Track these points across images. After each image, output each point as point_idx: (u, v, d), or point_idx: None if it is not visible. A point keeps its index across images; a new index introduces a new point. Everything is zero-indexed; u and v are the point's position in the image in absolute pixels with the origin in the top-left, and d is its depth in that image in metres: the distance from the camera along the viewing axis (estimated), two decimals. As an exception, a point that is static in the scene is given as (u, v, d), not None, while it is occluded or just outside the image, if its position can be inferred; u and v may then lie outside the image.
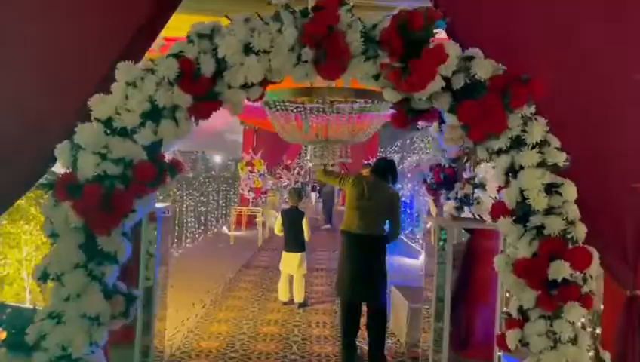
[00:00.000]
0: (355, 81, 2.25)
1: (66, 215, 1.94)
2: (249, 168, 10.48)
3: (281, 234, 5.90)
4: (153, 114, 2.02)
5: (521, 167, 2.10)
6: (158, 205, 4.12)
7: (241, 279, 7.16)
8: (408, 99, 2.24)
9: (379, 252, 4.16)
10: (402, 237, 11.15)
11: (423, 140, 13.48)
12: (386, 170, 4.31)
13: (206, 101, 2.03)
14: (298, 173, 21.77)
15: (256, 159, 10.59)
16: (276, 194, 15.69)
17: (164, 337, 4.17)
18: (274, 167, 13.52)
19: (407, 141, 14.54)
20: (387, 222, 4.29)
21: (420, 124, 8.14)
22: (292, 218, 5.84)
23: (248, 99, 2.17)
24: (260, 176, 10.51)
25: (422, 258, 8.29)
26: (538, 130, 2.08)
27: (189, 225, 9.66)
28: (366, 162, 9.94)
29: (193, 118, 2.10)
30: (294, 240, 5.81)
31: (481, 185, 3.78)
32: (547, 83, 2.08)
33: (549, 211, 2.07)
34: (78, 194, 1.92)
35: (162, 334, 4.15)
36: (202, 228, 10.64)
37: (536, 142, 2.09)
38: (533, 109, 2.10)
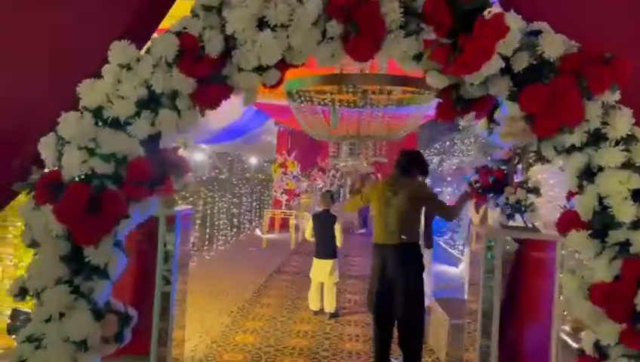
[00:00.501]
0: (392, 66, 1.88)
1: (47, 220, 1.64)
2: (282, 170, 10.19)
3: (312, 239, 5.54)
4: (150, 102, 1.69)
5: (601, 169, 1.68)
6: (180, 207, 3.85)
7: (271, 285, 6.85)
8: (457, 86, 1.85)
9: (409, 262, 3.70)
10: (441, 242, 10.61)
11: (464, 142, 12.88)
12: (410, 163, 3.79)
13: (212, 86, 1.69)
14: (334, 176, 21.47)
15: (289, 160, 10.28)
16: (310, 197, 15.40)
17: (184, 347, 3.87)
18: (308, 169, 13.21)
19: (447, 143, 13.95)
20: (422, 222, 3.85)
21: (462, 123, 7.61)
22: (324, 222, 5.48)
23: (265, 86, 1.82)
24: (293, 177, 10.20)
25: (462, 266, 7.78)
26: (623, 122, 1.65)
27: (221, 227, 9.44)
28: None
29: (198, 108, 1.76)
30: (326, 247, 5.44)
31: (535, 190, 3.33)
32: (632, 65, 1.65)
33: (637, 224, 1.63)
34: (59, 196, 1.61)
35: (182, 344, 3.86)
36: (235, 230, 10.41)
37: (621, 138, 1.66)
38: (617, 96, 1.67)
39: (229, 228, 9.97)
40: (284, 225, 11.05)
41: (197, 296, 5.96)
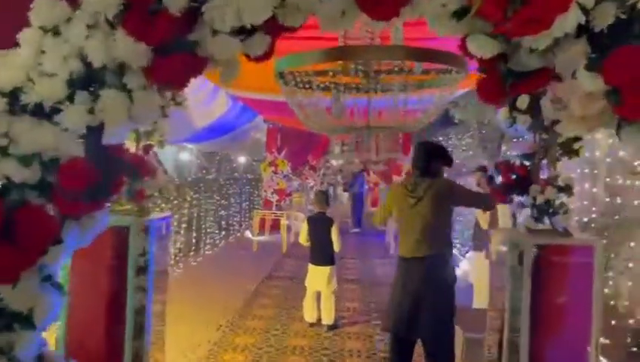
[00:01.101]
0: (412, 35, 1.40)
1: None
2: (272, 169, 9.68)
3: (307, 244, 5.06)
4: (88, 80, 1.20)
5: None
6: (157, 215, 3.35)
7: (262, 293, 6.35)
8: (506, 56, 1.37)
9: (438, 278, 3.16)
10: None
11: (459, 138, 12.48)
12: (430, 159, 3.23)
13: (174, 56, 1.19)
14: (324, 174, 20.97)
15: (279, 159, 9.78)
16: (302, 196, 14.91)
17: (165, 372, 3.38)
18: (299, 168, 12.72)
19: (441, 138, 13.53)
20: (448, 230, 3.33)
21: (458, 117, 6.97)
22: (319, 226, 5.00)
23: (249, 58, 1.33)
24: (283, 177, 9.70)
25: (463, 266, 7.32)
26: None
27: (208, 230, 8.91)
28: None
29: (156, 87, 1.26)
30: (322, 252, 4.96)
31: (567, 188, 2.87)
32: None
33: None
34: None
35: (162, 368, 3.37)
36: (223, 233, 9.88)
37: None
38: None
39: (217, 231, 9.45)
40: (275, 226, 10.55)
41: (182, 308, 5.45)
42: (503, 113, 3.04)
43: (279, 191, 9.60)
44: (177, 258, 7.41)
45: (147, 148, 3.01)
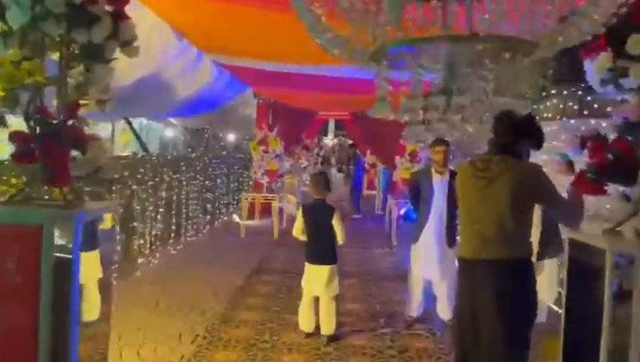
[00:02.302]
0: None
1: None
2: (263, 148, 8.67)
3: (303, 238, 4.10)
4: None
5: None
6: (93, 205, 2.41)
7: (250, 291, 5.41)
8: None
9: (513, 288, 2.24)
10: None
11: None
12: (514, 134, 2.32)
13: None
14: (318, 154, 19.93)
15: (271, 137, 8.77)
16: (294, 177, 13.92)
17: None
18: (292, 147, 11.71)
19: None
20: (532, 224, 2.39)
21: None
22: (317, 216, 4.04)
23: None
24: (275, 156, 8.71)
25: None
26: None
27: (190, 214, 7.93)
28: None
29: None
30: (321, 248, 4.02)
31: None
32: None
33: None
34: None
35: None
36: (208, 217, 8.91)
37: None
38: None
39: (201, 215, 8.47)
40: (266, 210, 9.60)
41: (150, 314, 4.51)
42: (600, 62, 2.10)
43: (270, 173, 8.61)
44: (153, 246, 6.44)
45: (72, 109, 2.00)
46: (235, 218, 9.94)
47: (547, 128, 6.73)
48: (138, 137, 9.76)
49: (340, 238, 4.00)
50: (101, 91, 2.19)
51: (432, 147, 4.46)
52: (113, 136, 9.61)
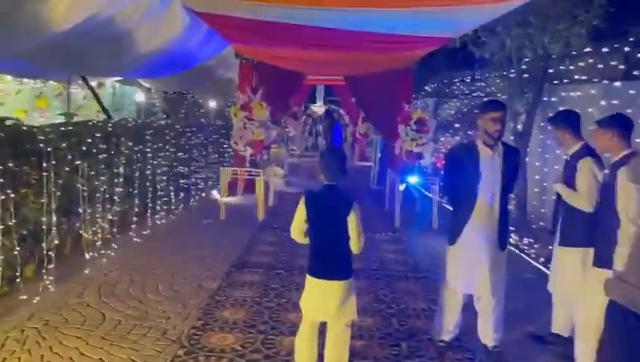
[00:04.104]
0: None
1: None
2: (245, 114, 7.28)
3: (304, 240, 2.80)
4: None
5: None
6: None
7: (227, 298, 4.11)
8: None
9: None
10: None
11: (466, 81, 10.16)
12: None
13: None
14: (305, 123, 18.51)
15: (255, 102, 7.37)
16: (280, 146, 12.56)
17: None
18: (279, 115, 10.29)
19: (446, 83, 11.23)
20: None
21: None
22: (327, 210, 2.74)
23: None
24: (260, 125, 7.33)
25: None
26: None
27: (160, 192, 6.57)
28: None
29: None
30: (331, 256, 2.73)
31: None
32: None
33: None
34: None
35: None
36: (182, 195, 7.55)
37: None
38: None
39: (172, 194, 7.11)
40: (250, 186, 8.26)
41: (92, 337, 3.21)
42: None
43: (255, 143, 7.25)
44: (109, 235, 5.11)
45: None
46: (215, 194, 8.59)
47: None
48: (98, 100, 8.23)
49: (355, 245, 2.72)
50: None
51: (485, 112, 3.16)
52: (69, 99, 8.09)
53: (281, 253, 5.47)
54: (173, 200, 7.11)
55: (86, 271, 4.43)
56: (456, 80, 10.44)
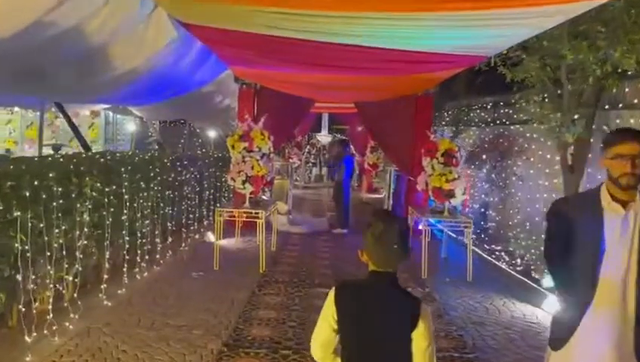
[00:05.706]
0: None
1: None
2: (244, 145, 6.16)
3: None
4: None
5: None
6: None
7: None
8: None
9: None
10: (512, 269, 6.85)
11: (485, 107, 9.09)
12: None
13: None
14: (309, 153, 17.42)
15: (255, 130, 6.27)
16: (284, 178, 11.44)
17: None
18: (283, 144, 9.20)
19: (465, 109, 10.18)
20: None
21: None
22: (376, 317, 1.59)
23: None
24: (261, 157, 6.21)
25: (550, 308, 3.82)
26: None
27: (142, 240, 5.39)
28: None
29: None
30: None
31: None
32: None
33: None
34: None
35: None
36: (169, 241, 6.37)
37: None
38: None
39: (158, 240, 5.93)
40: (250, 225, 7.06)
41: None
42: None
43: (255, 179, 6.09)
44: (66, 303, 3.92)
45: None
46: (210, 237, 7.39)
47: None
48: (75, 130, 7.12)
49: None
50: None
51: (610, 146, 2.02)
52: (41, 127, 7.00)
53: (287, 321, 4.27)
54: (159, 248, 5.92)
55: (27, 360, 3.24)
56: (475, 106, 9.36)
